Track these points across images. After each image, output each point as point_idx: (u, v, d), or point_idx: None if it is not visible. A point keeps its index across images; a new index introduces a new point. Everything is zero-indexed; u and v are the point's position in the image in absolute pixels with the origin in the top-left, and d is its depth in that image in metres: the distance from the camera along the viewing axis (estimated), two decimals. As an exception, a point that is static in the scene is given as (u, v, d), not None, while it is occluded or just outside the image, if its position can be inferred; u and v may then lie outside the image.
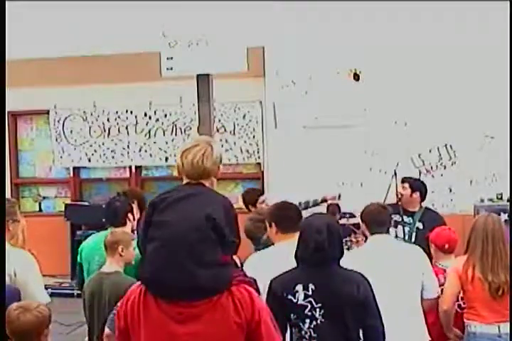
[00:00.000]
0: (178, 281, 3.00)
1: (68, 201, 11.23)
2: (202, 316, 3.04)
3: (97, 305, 5.13)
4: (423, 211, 6.85)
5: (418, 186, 6.94)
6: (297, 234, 4.47)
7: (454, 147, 9.94)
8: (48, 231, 10.26)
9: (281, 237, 4.61)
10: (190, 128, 10.74)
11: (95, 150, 11.19)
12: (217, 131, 10.15)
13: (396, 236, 6.46)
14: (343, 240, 5.29)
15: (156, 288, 3.08)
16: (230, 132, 10.73)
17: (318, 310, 3.91)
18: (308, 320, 3.93)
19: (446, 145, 9.97)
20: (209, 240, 3.04)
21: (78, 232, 10.25)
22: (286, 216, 4.64)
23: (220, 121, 10.53)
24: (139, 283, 3.21)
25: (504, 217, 8.46)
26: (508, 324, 4.68)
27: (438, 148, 9.99)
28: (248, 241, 5.96)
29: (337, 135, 10.01)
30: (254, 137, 10.68)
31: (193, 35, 7.59)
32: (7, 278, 4.28)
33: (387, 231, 4.99)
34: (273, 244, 4.78)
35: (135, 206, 5.87)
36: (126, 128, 11.06)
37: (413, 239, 6.58)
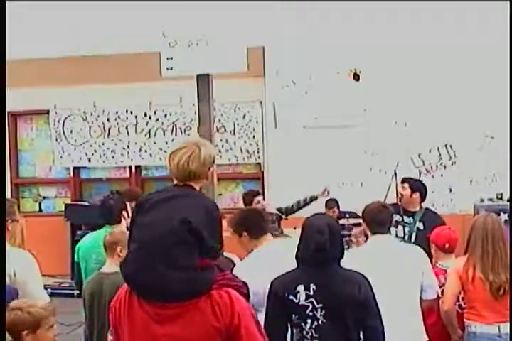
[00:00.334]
0: (151, 283, 3.00)
1: (68, 201, 11.23)
2: (178, 318, 3.04)
3: (96, 305, 5.14)
4: (423, 211, 6.85)
5: (418, 187, 6.93)
6: (268, 236, 4.55)
7: (454, 147, 9.95)
8: (48, 231, 10.27)
9: (256, 243, 4.58)
10: (190, 128, 10.75)
11: (95, 150, 11.19)
12: (217, 131, 10.15)
13: (396, 236, 6.45)
14: (344, 240, 5.29)
15: (134, 287, 3.10)
16: (230, 132, 10.74)
17: (319, 310, 3.91)
18: (309, 321, 3.92)
19: (446, 145, 9.98)
20: (185, 243, 3.00)
21: (78, 232, 10.23)
22: (254, 222, 4.61)
23: (220, 121, 10.53)
24: None
25: (504, 217, 8.47)
26: (508, 324, 4.68)
27: (438, 148, 10.00)
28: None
29: (337, 135, 10.01)
30: (254, 137, 10.68)
31: (193, 35, 7.59)
32: (7, 278, 4.28)
33: (388, 231, 4.99)
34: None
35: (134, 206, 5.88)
36: (126, 128, 11.07)
37: (413, 239, 6.58)
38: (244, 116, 10.70)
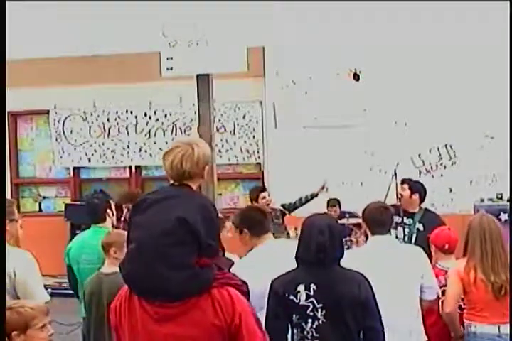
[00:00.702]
0: (149, 283, 3.01)
1: (68, 201, 11.23)
2: (178, 317, 3.04)
3: (95, 305, 5.16)
4: (423, 212, 6.86)
5: (418, 188, 6.94)
6: (269, 235, 4.55)
7: (454, 147, 9.95)
8: (48, 231, 10.27)
9: (256, 241, 4.59)
10: (190, 128, 10.75)
11: (95, 150, 11.19)
12: (217, 131, 10.15)
13: (396, 238, 6.46)
14: (343, 240, 5.29)
15: (133, 288, 3.10)
16: (230, 132, 10.74)
17: (320, 310, 3.91)
18: (310, 320, 3.92)
19: (446, 145, 9.98)
20: (182, 243, 3.01)
21: (78, 232, 10.20)
22: (256, 220, 4.62)
23: (220, 121, 10.53)
24: None
25: (504, 217, 8.48)
26: (508, 324, 4.68)
27: (438, 148, 10.00)
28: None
29: (337, 135, 10.01)
30: (254, 137, 10.68)
31: (193, 35, 7.58)
32: (7, 278, 4.28)
33: (389, 231, 4.98)
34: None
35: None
36: (126, 128, 11.07)
37: (413, 240, 6.59)
38: (244, 116, 10.70)
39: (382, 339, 4.01)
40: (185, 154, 3.19)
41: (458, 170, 9.93)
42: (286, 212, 8.32)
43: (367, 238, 5.18)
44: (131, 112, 11.04)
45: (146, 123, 11.02)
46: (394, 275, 4.64)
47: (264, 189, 8.40)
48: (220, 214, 3.56)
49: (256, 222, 4.60)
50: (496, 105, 9.50)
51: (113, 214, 5.89)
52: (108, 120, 11.11)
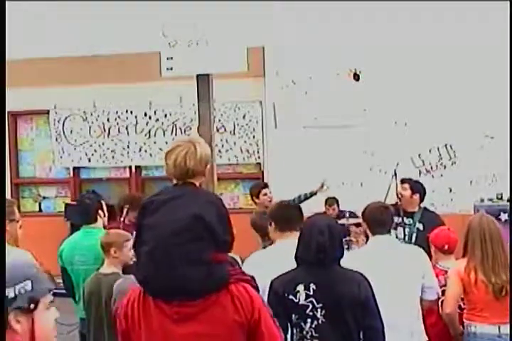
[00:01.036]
0: (170, 282, 3.01)
1: (68, 201, 11.22)
2: (199, 315, 3.04)
3: (94, 305, 5.16)
4: (422, 211, 6.88)
5: (418, 188, 6.97)
6: (295, 233, 4.52)
7: (454, 147, 9.95)
8: (48, 231, 10.25)
9: (279, 236, 4.65)
10: (190, 128, 10.74)
11: (95, 150, 11.19)
12: (217, 131, 10.15)
13: (396, 238, 6.47)
14: (343, 240, 5.30)
15: (150, 289, 3.09)
16: (230, 132, 10.73)
17: (319, 310, 3.92)
18: (309, 320, 3.93)
19: (446, 145, 9.98)
20: (199, 239, 3.03)
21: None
22: (284, 215, 4.67)
23: (220, 121, 10.53)
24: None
25: (504, 217, 8.48)
26: (509, 325, 4.68)
27: (438, 148, 9.99)
28: (253, 239, 6.00)
29: (337, 135, 10.01)
30: (254, 137, 10.68)
31: (193, 35, 7.58)
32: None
33: (389, 231, 4.99)
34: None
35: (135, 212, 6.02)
36: (126, 128, 11.07)
37: (413, 240, 6.60)
38: (244, 116, 10.70)
39: (383, 339, 4.01)
40: (188, 152, 3.20)
41: (458, 170, 9.92)
42: None
43: (367, 238, 5.19)
44: (131, 112, 11.04)
45: (146, 123, 11.02)
46: (395, 275, 4.64)
47: (265, 185, 8.39)
48: None
49: (282, 218, 4.67)
50: (496, 105, 9.50)
51: (104, 215, 5.89)
52: (108, 120, 11.11)
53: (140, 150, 11.06)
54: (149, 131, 11.02)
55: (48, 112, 11.25)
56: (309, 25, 9.94)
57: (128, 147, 11.09)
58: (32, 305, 2.27)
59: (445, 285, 4.98)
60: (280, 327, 3.27)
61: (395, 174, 7.45)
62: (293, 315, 3.94)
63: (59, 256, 5.84)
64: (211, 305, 3.04)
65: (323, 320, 3.92)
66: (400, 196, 6.90)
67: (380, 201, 5.43)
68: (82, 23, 10.45)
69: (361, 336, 3.99)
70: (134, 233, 3.27)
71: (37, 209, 11.67)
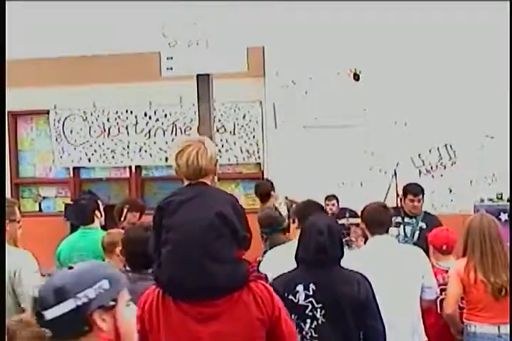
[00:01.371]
0: (197, 281, 3.01)
1: (68, 201, 11.22)
2: (223, 314, 3.05)
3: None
4: (423, 214, 7.00)
5: (423, 195, 7.07)
6: None
7: (454, 147, 9.94)
8: (48, 231, 10.24)
9: (296, 234, 4.68)
10: (190, 128, 10.74)
11: (95, 150, 11.18)
12: (217, 131, 10.14)
13: (398, 235, 6.52)
14: (344, 240, 5.29)
15: (174, 290, 3.08)
16: (230, 132, 10.73)
17: (319, 310, 3.91)
18: (309, 321, 3.93)
19: (446, 145, 9.97)
20: (223, 237, 3.07)
21: (78, 232, 10.23)
22: (305, 214, 4.68)
23: (220, 121, 10.52)
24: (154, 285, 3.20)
25: (504, 217, 8.48)
26: (509, 325, 4.67)
27: (438, 148, 9.99)
28: (255, 239, 6.00)
29: (337, 135, 10.01)
30: (254, 137, 10.67)
31: (193, 35, 7.58)
32: (6, 278, 4.28)
33: (387, 231, 4.99)
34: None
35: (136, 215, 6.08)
36: (126, 128, 11.06)
37: (416, 238, 6.65)
38: (244, 116, 10.69)
39: (383, 339, 4.01)
40: (199, 151, 3.23)
41: (458, 170, 9.91)
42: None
43: (365, 238, 5.19)
44: (131, 112, 11.03)
45: (146, 123, 11.01)
46: (395, 275, 4.65)
47: (272, 185, 8.42)
48: None
49: (303, 216, 4.68)
50: (496, 105, 9.49)
51: (101, 215, 5.87)
52: (108, 120, 11.11)
53: (140, 150, 11.05)
54: (149, 131, 11.01)
55: (48, 112, 11.24)
56: (309, 25, 9.93)
57: (128, 147, 11.08)
58: (112, 303, 2.33)
59: (444, 285, 4.99)
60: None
61: (395, 174, 7.46)
62: (292, 316, 3.93)
63: (57, 258, 5.82)
64: (234, 304, 3.06)
65: (323, 321, 3.92)
66: (410, 208, 6.96)
67: (378, 201, 5.43)
68: (82, 23, 10.45)
69: (361, 336, 3.99)
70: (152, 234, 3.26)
71: (37, 209, 11.66)
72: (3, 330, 3.54)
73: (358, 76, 10.08)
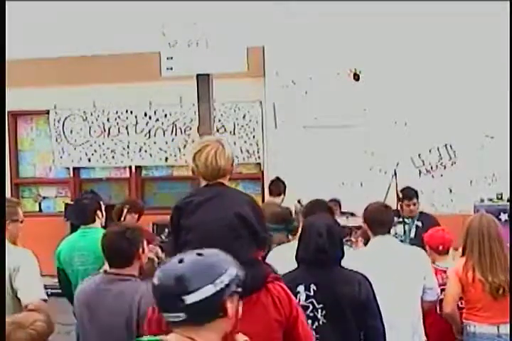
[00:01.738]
0: None
1: (68, 201, 11.22)
2: (242, 315, 3.04)
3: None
4: (419, 214, 7.17)
5: (417, 197, 7.22)
6: None
7: (454, 147, 9.94)
8: (48, 231, 10.24)
9: None
10: (190, 128, 10.74)
11: (95, 150, 11.18)
12: (217, 131, 10.14)
13: (396, 234, 6.58)
14: (344, 240, 5.29)
15: None
16: (230, 132, 10.72)
17: (320, 310, 3.91)
18: (310, 321, 3.92)
19: (446, 145, 9.97)
20: (242, 238, 3.08)
21: (78, 232, 10.22)
22: (313, 212, 4.74)
23: (220, 121, 10.52)
24: None
25: (504, 217, 8.47)
26: (508, 324, 4.67)
27: (438, 148, 9.99)
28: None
29: (337, 135, 10.00)
30: (254, 137, 10.67)
31: (193, 35, 7.59)
32: (6, 276, 4.29)
33: (389, 231, 4.99)
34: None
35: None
36: (126, 128, 11.06)
37: (412, 235, 6.72)
38: (244, 116, 10.69)
39: (383, 340, 4.01)
40: (218, 151, 3.23)
41: (458, 170, 9.91)
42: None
43: (366, 238, 5.19)
44: (131, 112, 11.03)
45: (146, 123, 11.01)
46: (396, 275, 4.64)
47: (284, 184, 8.45)
48: None
49: (309, 214, 4.71)
50: (496, 105, 9.49)
51: (102, 215, 5.85)
52: (108, 120, 11.11)
53: (140, 150, 11.05)
54: (149, 131, 11.01)
55: (48, 112, 11.24)
56: (309, 25, 9.93)
57: (128, 147, 11.09)
58: (239, 289, 2.41)
59: (443, 285, 4.99)
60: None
61: (395, 174, 7.47)
62: (293, 316, 3.94)
63: (56, 258, 5.81)
64: (253, 305, 3.04)
65: (324, 321, 3.91)
66: (408, 212, 7.12)
67: (380, 201, 5.43)
68: (82, 23, 10.45)
69: (362, 336, 3.98)
70: (170, 234, 3.26)
71: (37, 209, 11.66)
72: (3, 330, 3.54)
73: (358, 76, 10.08)
